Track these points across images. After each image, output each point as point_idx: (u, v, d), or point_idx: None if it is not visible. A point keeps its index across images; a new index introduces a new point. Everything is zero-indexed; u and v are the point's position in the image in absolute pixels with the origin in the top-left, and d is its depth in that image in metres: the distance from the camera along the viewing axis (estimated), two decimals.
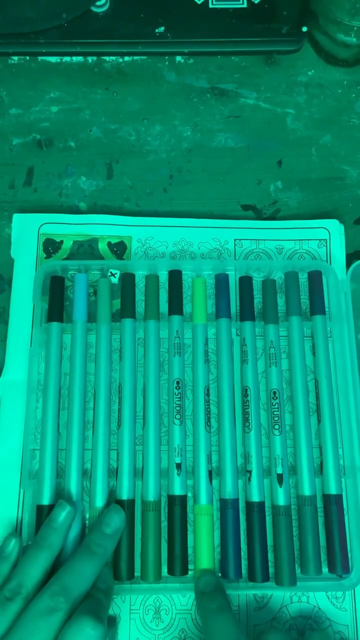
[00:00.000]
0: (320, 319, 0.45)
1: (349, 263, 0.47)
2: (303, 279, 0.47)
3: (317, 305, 0.45)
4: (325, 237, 0.47)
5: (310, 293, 0.46)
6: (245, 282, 0.45)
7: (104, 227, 0.47)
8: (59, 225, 0.47)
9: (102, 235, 0.47)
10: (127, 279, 0.45)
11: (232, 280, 0.46)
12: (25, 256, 0.46)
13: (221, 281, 0.45)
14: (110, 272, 0.45)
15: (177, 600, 0.41)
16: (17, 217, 0.47)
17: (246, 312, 0.45)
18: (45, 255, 0.46)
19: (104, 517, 0.39)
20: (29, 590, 0.35)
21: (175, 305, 0.45)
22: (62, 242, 0.47)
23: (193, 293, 0.45)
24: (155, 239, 0.47)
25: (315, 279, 0.46)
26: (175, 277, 0.45)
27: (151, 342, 0.44)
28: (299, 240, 0.47)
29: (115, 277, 0.45)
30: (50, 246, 0.47)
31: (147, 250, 0.47)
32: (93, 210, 0.49)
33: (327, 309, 0.46)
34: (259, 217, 0.49)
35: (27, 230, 0.47)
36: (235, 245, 0.47)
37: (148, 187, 0.49)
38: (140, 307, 0.46)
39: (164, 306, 0.46)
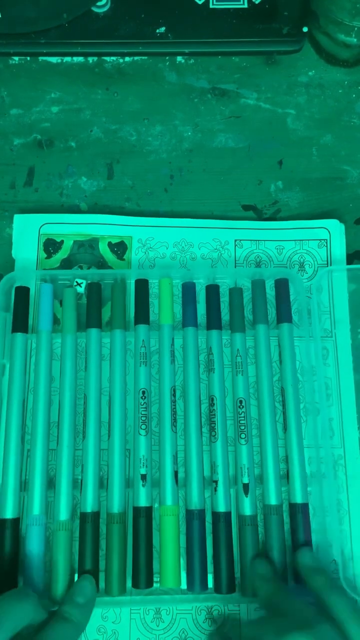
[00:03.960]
0: (286, 326, 0.45)
1: (349, 263, 0.47)
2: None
3: (283, 313, 0.45)
4: (326, 237, 0.47)
5: (277, 301, 0.45)
6: (212, 291, 0.45)
7: (104, 227, 0.47)
8: (60, 225, 0.47)
9: (103, 235, 0.47)
10: (93, 289, 0.45)
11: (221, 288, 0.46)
12: (26, 256, 0.46)
13: (188, 289, 0.45)
14: (76, 282, 0.45)
15: None
16: (17, 218, 0.47)
17: (213, 321, 0.44)
18: (45, 256, 0.47)
19: (75, 586, 0.38)
20: None
21: (141, 315, 0.44)
22: (62, 242, 0.47)
23: (159, 294, 0.45)
24: (156, 240, 0.47)
25: (281, 286, 0.45)
26: (141, 287, 0.45)
27: (117, 352, 0.43)
28: (300, 240, 0.47)
29: (81, 286, 0.45)
30: (51, 246, 0.47)
31: (148, 250, 0.47)
32: (94, 210, 0.49)
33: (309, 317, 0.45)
34: (260, 217, 0.49)
35: (28, 231, 0.47)
36: (235, 245, 0.47)
37: (149, 187, 0.49)
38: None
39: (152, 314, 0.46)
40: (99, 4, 0.50)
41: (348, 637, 0.34)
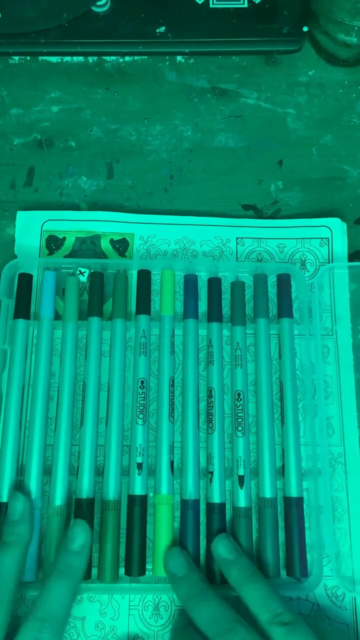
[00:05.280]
0: (287, 321, 0.45)
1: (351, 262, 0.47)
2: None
3: (284, 308, 0.45)
4: (327, 235, 0.47)
5: (278, 296, 0.46)
6: (214, 283, 0.45)
7: (106, 224, 0.47)
8: (62, 222, 0.47)
9: (105, 232, 0.47)
10: (95, 278, 0.45)
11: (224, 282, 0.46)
12: (29, 252, 0.47)
13: (190, 282, 0.45)
14: (79, 271, 0.46)
15: (176, 597, 0.41)
16: (20, 215, 0.47)
17: (213, 314, 0.45)
18: (47, 252, 0.47)
19: (68, 533, 0.39)
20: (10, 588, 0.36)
21: (143, 305, 0.45)
22: (64, 238, 0.47)
23: (161, 285, 0.45)
24: (158, 237, 0.47)
25: (283, 282, 0.46)
26: (143, 277, 0.45)
27: (117, 341, 0.44)
28: (301, 239, 0.47)
29: (83, 275, 0.45)
30: (53, 243, 0.47)
31: (149, 247, 0.47)
32: (94, 210, 0.49)
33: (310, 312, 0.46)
34: (260, 217, 0.49)
35: (31, 228, 0.47)
36: (237, 243, 0.47)
37: (149, 187, 0.49)
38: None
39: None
40: (98, 3, 0.50)
41: (262, 628, 0.34)
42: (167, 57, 0.52)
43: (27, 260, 0.46)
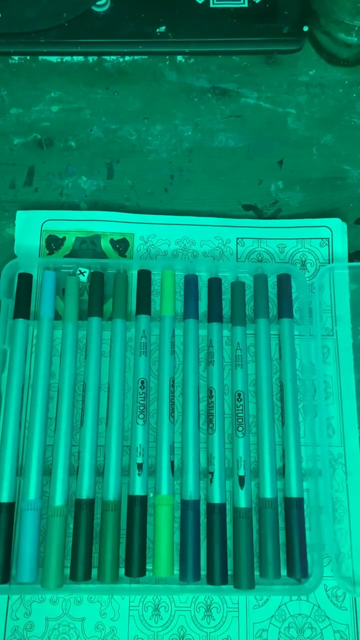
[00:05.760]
0: (287, 322, 0.45)
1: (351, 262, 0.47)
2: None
3: (284, 309, 0.45)
4: (328, 235, 0.47)
5: (279, 296, 0.46)
6: (214, 283, 0.45)
7: (106, 224, 0.47)
8: (62, 222, 0.47)
9: (105, 232, 0.47)
10: (96, 278, 0.45)
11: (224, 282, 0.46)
12: (29, 252, 0.46)
13: (190, 282, 0.45)
14: (79, 270, 0.46)
15: (177, 597, 0.41)
16: (20, 214, 0.47)
17: (214, 314, 0.45)
18: (47, 252, 0.47)
19: None
20: None
21: (143, 305, 0.45)
22: (64, 238, 0.47)
23: (162, 285, 0.45)
24: (158, 237, 0.47)
25: (283, 282, 0.46)
26: (143, 277, 0.45)
27: (117, 341, 0.44)
28: (301, 239, 0.47)
29: (84, 275, 0.45)
30: (53, 243, 0.47)
31: (150, 247, 0.47)
32: (94, 210, 0.48)
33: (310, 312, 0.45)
34: (260, 217, 0.49)
35: (31, 227, 0.47)
36: (237, 244, 0.47)
37: (149, 186, 0.49)
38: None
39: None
40: (98, 3, 0.50)
41: None
42: (167, 57, 0.52)
43: (27, 260, 0.46)
